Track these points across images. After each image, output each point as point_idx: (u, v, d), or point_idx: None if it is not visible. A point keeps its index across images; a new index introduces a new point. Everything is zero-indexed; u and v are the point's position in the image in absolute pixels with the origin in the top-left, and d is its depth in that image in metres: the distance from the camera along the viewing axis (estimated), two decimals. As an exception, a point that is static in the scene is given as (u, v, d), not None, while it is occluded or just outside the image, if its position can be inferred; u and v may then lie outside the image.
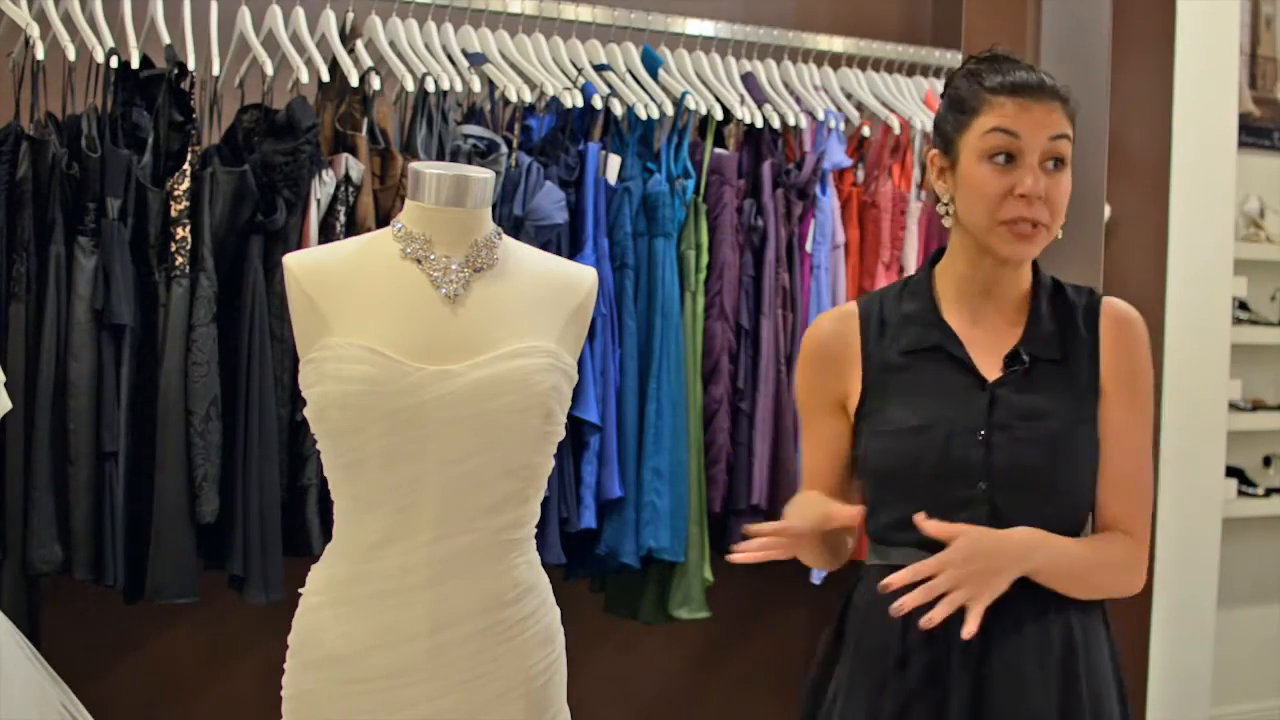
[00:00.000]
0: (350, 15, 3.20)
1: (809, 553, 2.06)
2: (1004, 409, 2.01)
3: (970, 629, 1.88)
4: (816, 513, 1.98)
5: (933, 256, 2.14)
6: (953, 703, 1.98)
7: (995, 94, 2.01)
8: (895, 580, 1.89)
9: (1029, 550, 1.96)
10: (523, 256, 2.15)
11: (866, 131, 3.79)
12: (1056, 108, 2.01)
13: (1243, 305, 5.01)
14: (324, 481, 2.19)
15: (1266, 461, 5.19)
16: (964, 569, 1.89)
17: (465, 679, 2.02)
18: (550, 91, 3.33)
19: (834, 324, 2.14)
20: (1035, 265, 2.10)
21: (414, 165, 2.09)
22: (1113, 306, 2.10)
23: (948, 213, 2.06)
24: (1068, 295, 2.10)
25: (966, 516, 1.98)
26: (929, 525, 1.91)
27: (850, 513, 1.99)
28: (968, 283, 2.07)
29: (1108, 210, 3.75)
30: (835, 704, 2.09)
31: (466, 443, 1.98)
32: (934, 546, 1.97)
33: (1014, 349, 2.04)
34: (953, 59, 3.97)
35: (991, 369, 2.04)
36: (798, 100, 3.72)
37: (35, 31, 2.86)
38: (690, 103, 3.49)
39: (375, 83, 3.15)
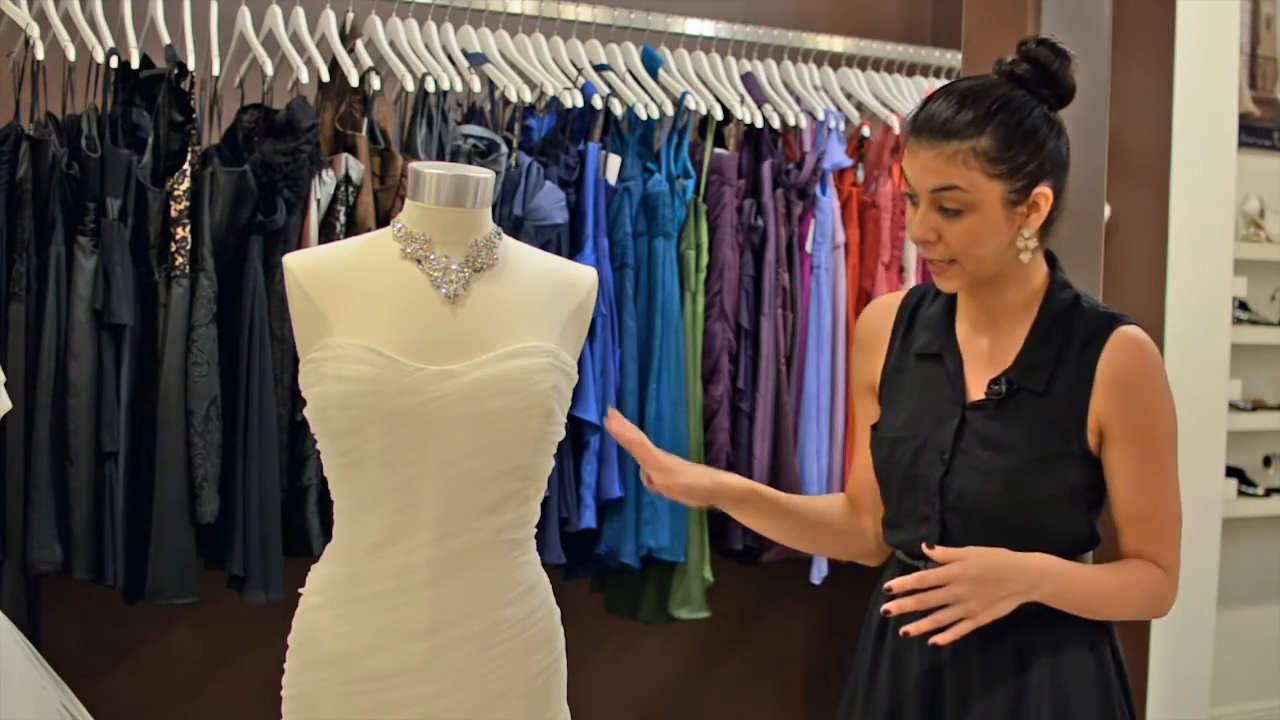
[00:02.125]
0: (350, 15, 3.20)
1: (749, 519, 2.15)
2: (971, 434, 1.99)
3: (945, 639, 1.87)
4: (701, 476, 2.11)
5: None
6: (908, 700, 2.01)
7: (908, 129, 1.98)
8: (897, 585, 1.89)
9: (1041, 579, 1.92)
10: (523, 256, 2.15)
11: (866, 131, 3.79)
12: (944, 152, 1.92)
13: (1243, 305, 5.01)
14: (324, 481, 2.19)
15: (1266, 461, 5.19)
16: (969, 587, 1.87)
17: (465, 679, 2.02)
18: (550, 91, 3.32)
19: (878, 311, 2.17)
20: (1052, 280, 2.03)
21: (414, 165, 2.09)
22: (1118, 341, 1.98)
23: None
24: (1076, 321, 2.00)
25: (924, 532, 1.99)
26: (935, 552, 1.90)
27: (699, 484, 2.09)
28: (972, 296, 2.05)
29: (1108, 210, 3.75)
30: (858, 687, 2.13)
31: (466, 443, 1.98)
32: (909, 552, 2.00)
33: (1000, 374, 2.00)
34: (953, 59, 3.97)
35: (979, 387, 2.01)
36: (798, 100, 3.72)
37: (35, 31, 2.86)
38: (690, 103, 3.49)
39: (375, 83, 3.15)
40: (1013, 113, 1.94)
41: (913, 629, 1.88)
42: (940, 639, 1.87)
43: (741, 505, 2.14)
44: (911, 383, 2.06)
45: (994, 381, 1.99)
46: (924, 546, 1.91)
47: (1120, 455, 1.98)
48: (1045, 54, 1.99)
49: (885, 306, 2.16)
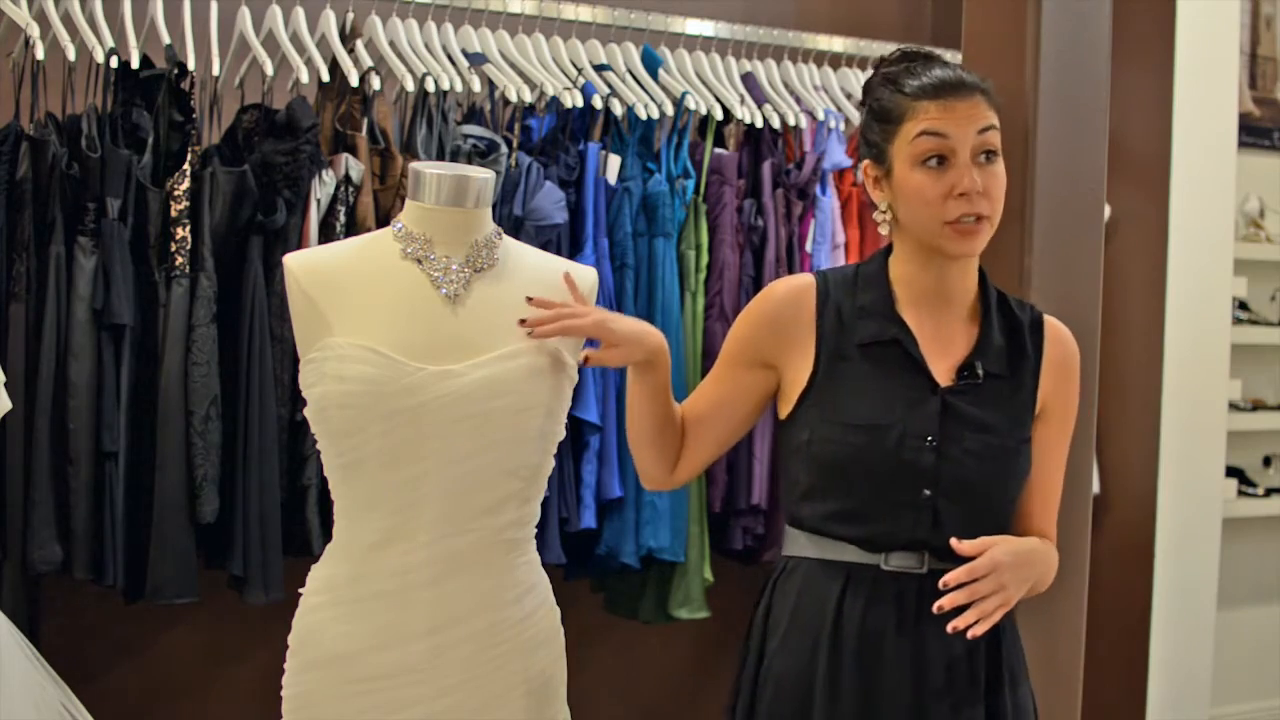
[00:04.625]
0: (350, 15, 3.20)
1: (636, 394, 2.14)
2: (955, 418, 2.02)
3: (983, 628, 1.92)
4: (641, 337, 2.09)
5: (884, 251, 2.14)
6: (885, 700, 2.01)
7: (918, 99, 2.02)
8: (952, 579, 1.93)
9: (1042, 563, 2.04)
10: (523, 256, 2.15)
11: (866, 131, 3.78)
12: (978, 100, 2.03)
13: (1243, 305, 5.01)
14: (324, 481, 2.20)
15: (1266, 461, 5.19)
16: (1009, 574, 1.94)
17: (465, 679, 2.02)
18: (550, 91, 3.32)
19: (793, 292, 2.12)
20: (982, 271, 2.12)
21: (414, 165, 2.09)
22: (1055, 328, 2.14)
23: (885, 220, 2.08)
24: (1012, 309, 2.12)
25: (912, 520, 2.00)
26: (964, 545, 1.94)
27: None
28: (919, 282, 2.07)
29: (1108, 210, 3.76)
30: (766, 690, 2.10)
31: (467, 443, 1.98)
32: (875, 544, 2.00)
33: (968, 360, 2.06)
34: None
35: (943, 373, 2.05)
36: (798, 100, 3.72)
37: (35, 31, 2.86)
38: (690, 103, 3.49)
39: (375, 83, 3.15)
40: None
41: (960, 622, 1.92)
42: (979, 629, 1.92)
43: (660, 383, 2.16)
44: (867, 371, 2.05)
45: (964, 367, 2.05)
46: (952, 541, 1.95)
47: (1049, 437, 2.10)
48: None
49: (803, 287, 2.12)
